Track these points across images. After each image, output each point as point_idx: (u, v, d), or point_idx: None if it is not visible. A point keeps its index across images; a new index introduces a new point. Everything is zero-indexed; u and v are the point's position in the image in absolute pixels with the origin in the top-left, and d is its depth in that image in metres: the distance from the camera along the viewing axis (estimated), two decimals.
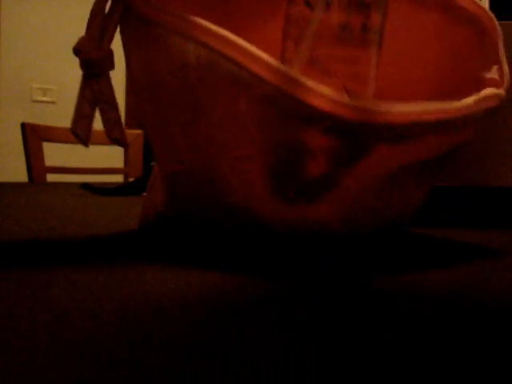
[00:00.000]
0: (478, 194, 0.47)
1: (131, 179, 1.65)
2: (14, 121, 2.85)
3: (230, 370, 0.14)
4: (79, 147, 2.89)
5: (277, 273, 0.26)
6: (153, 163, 0.82)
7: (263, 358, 0.14)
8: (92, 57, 0.31)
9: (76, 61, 2.97)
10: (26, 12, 2.86)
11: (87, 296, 0.21)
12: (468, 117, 0.31)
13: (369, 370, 0.14)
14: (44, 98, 2.91)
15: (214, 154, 0.29)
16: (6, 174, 2.83)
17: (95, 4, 0.31)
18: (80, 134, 0.31)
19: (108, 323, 0.17)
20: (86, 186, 0.84)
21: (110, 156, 3.03)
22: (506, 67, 0.37)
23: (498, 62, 0.38)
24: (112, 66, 0.32)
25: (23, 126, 1.57)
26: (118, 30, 0.33)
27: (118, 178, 2.68)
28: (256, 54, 0.26)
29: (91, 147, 2.95)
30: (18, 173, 2.84)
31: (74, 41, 2.94)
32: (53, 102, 2.93)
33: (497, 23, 0.39)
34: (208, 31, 0.27)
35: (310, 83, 0.25)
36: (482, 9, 0.39)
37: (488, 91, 0.33)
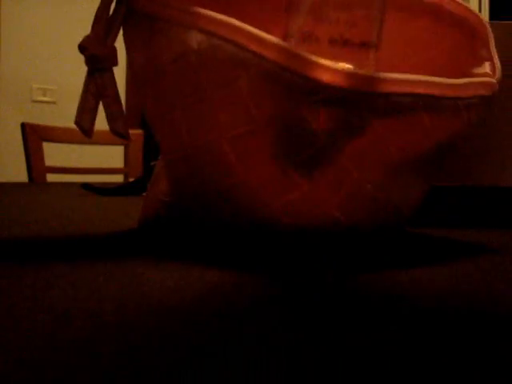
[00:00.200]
0: (478, 193, 0.48)
1: (131, 179, 1.65)
2: (14, 121, 2.84)
3: (229, 370, 0.14)
4: (79, 147, 2.89)
5: (277, 272, 0.26)
6: (153, 163, 0.82)
7: (263, 358, 0.14)
8: (97, 53, 0.32)
9: (76, 61, 2.97)
10: (26, 12, 2.86)
11: (87, 296, 0.21)
12: (460, 99, 0.32)
13: (368, 369, 0.14)
14: (44, 98, 2.91)
15: (214, 135, 0.29)
16: (6, 174, 2.83)
17: (100, 5, 0.32)
18: (84, 125, 0.32)
19: (108, 323, 0.17)
20: (86, 186, 0.84)
21: (110, 156, 3.03)
22: (497, 62, 0.38)
23: (490, 59, 0.38)
24: (115, 63, 0.33)
25: (23, 125, 1.57)
26: (121, 31, 0.34)
27: (118, 178, 2.68)
28: (254, 33, 0.27)
29: (91, 147, 2.95)
30: (18, 173, 2.84)
31: (74, 41, 2.94)
32: (53, 102, 2.93)
33: (485, 21, 0.39)
34: (208, 18, 0.28)
35: (308, 55, 0.26)
36: (469, 10, 0.39)
37: (480, 78, 0.34)
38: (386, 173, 0.32)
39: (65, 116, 2.96)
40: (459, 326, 0.18)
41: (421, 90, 0.30)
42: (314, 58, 0.26)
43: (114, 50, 0.32)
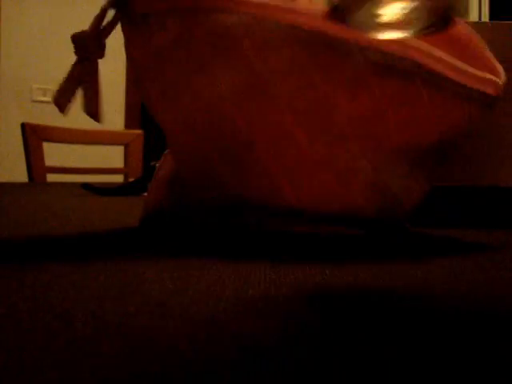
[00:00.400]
0: (478, 193, 0.48)
1: (131, 179, 1.65)
2: (14, 121, 2.85)
3: (229, 370, 0.14)
4: (79, 147, 2.89)
5: (277, 272, 0.26)
6: (153, 163, 0.82)
7: (263, 359, 0.14)
8: (88, 44, 0.36)
9: None
10: (26, 12, 2.86)
11: (87, 296, 0.21)
12: (462, 86, 0.33)
13: (368, 370, 0.14)
14: (44, 98, 2.91)
15: (219, 100, 0.32)
16: (5, 174, 2.83)
17: (100, 11, 0.36)
18: (61, 104, 0.37)
19: (108, 323, 0.17)
20: (85, 186, 0.84)
21: (110, 156, 3.03)
22: (498, 66, 0.38)
23: (492, 65, 0.38)
24: (101, 55, 0.37)
25: (23, 125, 1.57)
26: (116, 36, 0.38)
27: (118, 178, 2.68)
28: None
29: (91, 147, 2.95)
30: (18, 173, 2.84)
31: None
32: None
33: (472, 30, 0.39)
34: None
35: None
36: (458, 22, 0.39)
37: (486, 74, 0.35)
38: (387, 157, 0.33)
39: (65, 116, 2.96)
40: (458, 325, 0.18)
41: (421, 59, 0.32)
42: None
43: (103, 45, 0.37)
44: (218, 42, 0.31)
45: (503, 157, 0.48)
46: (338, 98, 0.31)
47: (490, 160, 0.48)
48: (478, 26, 0.48)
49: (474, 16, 2.76)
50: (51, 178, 1.78)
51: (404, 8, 0.19)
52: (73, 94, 0.37)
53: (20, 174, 2.83)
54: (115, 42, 3.05)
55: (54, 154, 2.78)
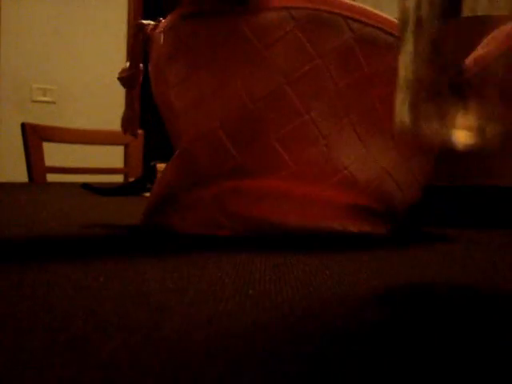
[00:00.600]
0: (478, 194, 0.47)
1: (131, 179, 1.65)
2: (14, 121, 2.85)
3: (229, 370, 0.14)
4: (79, 147, 2.89)
5: (277, 272, 0.26)
6: (153, 163, 0.82)
7: (263, 358, 0.14)
8: (125, 76, 0.43)
9: (76, 61, 2.97)
10: (25, 12, 2.86)
11: (87, 296, 0.21)
12: None
13: (367, 369, 0.14)
14: (44, 98, 2.91)
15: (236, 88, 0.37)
16: (6, 174, 2.83)
17: (132, 41, 0.43)
18: (125, 130, 0.45)
19: (108, 323, 0.17)
20: (85, 185, 0.84)
21: (110, 156, 3.03)
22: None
23: None
24: (138, 84, 0.44)
25: (23, 126, 1.56)
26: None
27: (118, 178, 2.68)
28: None
29: (91, 147, 2.95)
30: (18, 173, 2.84)
31: (74, 41, 2.94)
32: (53, 102, 2.93)
33: None
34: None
35: None
36: None
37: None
38: (380, 141, 0.38)
39: (65, 116, 2.96)
40: (458, 325, 0.18)
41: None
42: None
43: (139, 71, 0.44)
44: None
45: (504, 157, 0.48)
46: (329, 69, 0.36)
47: (491, 160, 0.48)
48: None
49: None
50: (51, 177, 1.78)
51: None
52: (133, 118, 0.45)
53: (20, 174, 2.83)
54: (115, 41, 3.06)
55: (54, 154, 2.78)
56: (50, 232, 0.38)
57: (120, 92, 3.05)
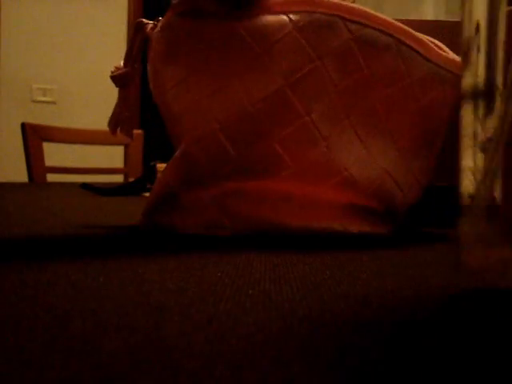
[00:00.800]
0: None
1: (131, 179, 1.65)
2: (14, 121, 2.84)
3: (229, 370, 0.14)
4: (79, 147, 2.89)
5: (277, 272, 0.26)
6: (153, 163, 0.82)
7: (263, 358, 0.14)
8: (120, 73, 0.42)
9: (76, 61, 2.97)
10: (25, 12, 2.86)
11: (87, 296, 0.21)
12: (432, 62, 0.40)
13: (366, 369, 0.14)
14: (44, 98, 2.91)
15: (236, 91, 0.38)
16: (5, 174, 2.83)
17: (131, 39, 0.42)
18: (110, 128, 0.44)
19: (108, 323, 0.17)
20: (85, 185, 0.84)
21: (110, 156, 3.03)
22: (446, 47, 0.44)
23: (443, 48, 0.43)
24: (134, 81, 0.43)
25: (23, 125, 1.56)
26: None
27: (118, 178, 2.68)
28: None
29: (91, 147, 2.95)
30: (18, 173, 2.84)
31: (74, 40, 2.94)
32: (53, 102, 2.93)
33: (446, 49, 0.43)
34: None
35: None
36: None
37: (451, 55, 0.42)
38: (381, 141, 0.38)
39: (65, 116, 2.96)
40: (457, 325, 0.18)
41: (398, 35, 0.38)
42: None
43: (134, 70, 0.42)
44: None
45: None
46: (328, 70, 0.37)
47: None
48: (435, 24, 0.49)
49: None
50: (51, 177, 1.78)
51: None
52: (120, 118, 0.43)
53: (20, 174, 2.83)
54: (115, 42, 3.06)
55: (54, 154, 2.78)
56: (50, 232, 0.38)
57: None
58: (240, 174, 0.37)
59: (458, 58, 0.41)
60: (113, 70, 0.43)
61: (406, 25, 0.40)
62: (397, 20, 0.43)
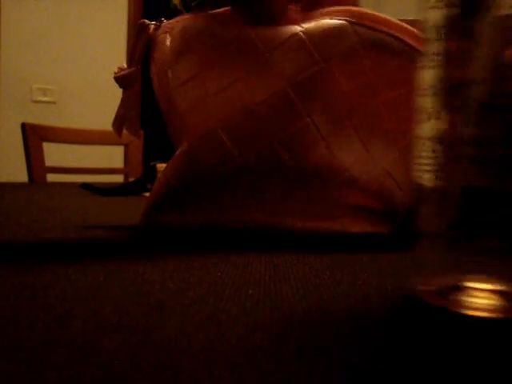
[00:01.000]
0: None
1: (131, 179, 1.65)
2: (14, 121, 2.84)
3: (229, 370, 0.14)
4: (79, 147, 2.89)
5: (277, 272, 0.26)
6: (153, 163, 0.82)
7: (263, 358, 0.14)
8: (123, 74, 0.43)
9: (76, 61, 2.97)
10: (26, 12, 2.86)
11: (87, 296, 0.21)
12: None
13: (365, 369, 0.14)
14: (44, 98, 2.91)
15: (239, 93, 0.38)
16: (5, 174, 2.83)
17: (134, 39, 0.42)
18: (115, 129, 0.45)
19: (108, 323, 0.17)
20: (85, 185, 0.84)
21: (110, 156, 3.03)
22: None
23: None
24: (139, 81, 0.43)
25: (23, 126, 1.56)
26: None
27: (118, 178, 2.68)
28: None
29: (91, 147, 2.95)
30: (18, 173, 2.84)
31: (74, 41, 2.94)
32: (53, 102, 2.93)
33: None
34: None
35: None
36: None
37: None
38: (381, 142, 0.39)
39: (65, 116, 2.96)
40: (457, 325, 0.18)
41: (410, 40, 0.38)
42: None
43: (137, 70, 0.43)
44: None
45: None
46: (334, 72, 0.37)
47: None
48: None
49: None
50: (51, 177, 1.78)
51: None
52: (123, 118, 0.44)
53: (20, 174, 2.83)
54: (115, 42, 3.06)
55: (54, 154, 2.78)
56: (50, 232, 0.38)
57: (120, 92, 3.04)
58: (240, 173, 0.37)
59: None
60: (116, 71, 0.43)
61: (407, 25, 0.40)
62: (400, 20, 0.43)
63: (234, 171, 0.37)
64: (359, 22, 0.38)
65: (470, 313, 0.18)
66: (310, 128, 0.37)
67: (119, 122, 0.43)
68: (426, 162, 0.22)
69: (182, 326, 0.17)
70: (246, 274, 0.26)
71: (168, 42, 0.40)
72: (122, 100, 0.44)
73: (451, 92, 0.21)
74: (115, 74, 0.43)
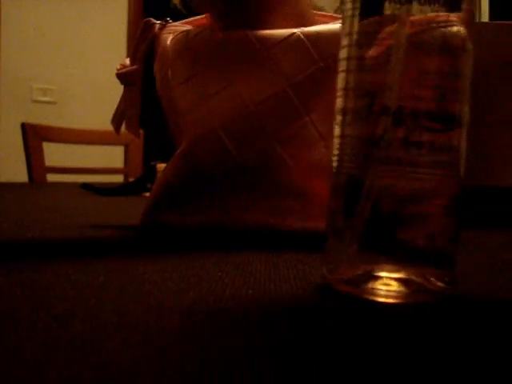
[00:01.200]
0: (478, 193, 0.47)
1: (131, 179, 1.65)
2: (14, 121, 2.84)
3: (229, 369, 0.14)
4: (79, 147, 2.89)
5: (277, 272, 0.26)
6: (153, 163, 0.82)
7: (263, 358, 0.14)
8: (126, 72, 0.43)
9: (76, 61, 2.97)
10: (25, 12, 2.86)
11: (87, 296, 0.21)
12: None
13: (364, 369, 0.14)
14: (44, 98, 2.91)
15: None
16: (6, 174, 2.83)
17: (138, 37, 0.43)
18: (114, 125, 0.45)
19: (108, 323, 0.17)
20: (85, 185, 0.84)
21: (110, 156, 3.03)
22: None
23: None
24: (140, 79, 0.43)
25: (23, 126, 1.57)
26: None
27: (118, 178, 2.68)
28: None
29: (91, 147, 2.95)
30: (18, 173, 2.84)
31: (74, 41, 2.94)
32: (53, 102, 2.93)
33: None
34: None
35: None
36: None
37: None
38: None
39: (65, 116, 2.96)
40: (457, 325, 0.18)
41: None
42: None
43: (139, 68, 0.43)
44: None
45: (503, 157, 0.48)
46: (332, 72, 0.36)
47: (490, 160, 0.48)
48: (477, 26, 0.49)
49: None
50: (51, 177, 1.78)
51: None
52: (122, 115, 0.43)
53: (20, 174, 2.82)
54: (115, 42, 3.06)
55: (54, 154, 2.78)
56: (49, 232, 0.38)
57: (120, 92, 3.04)
58: (239, 173, 0.37)
59: None
60: (118, 67, 0.43)
61: None
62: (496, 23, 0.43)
63: (233, 171, 0.37)
64: None
65: (373, 298, 0.21)
66: (309, 127, 0.37)
67: (118, 118, 0.43)
68: (335, 158, 0.25)
69: (182, 326, 0.17)
70: (246, 274, 0.26)
71: (169, 42, 0.40)
72: (123, 97, 0.43)
73: (359, 96, 0.22)
74: (117, 70, 0.43)
